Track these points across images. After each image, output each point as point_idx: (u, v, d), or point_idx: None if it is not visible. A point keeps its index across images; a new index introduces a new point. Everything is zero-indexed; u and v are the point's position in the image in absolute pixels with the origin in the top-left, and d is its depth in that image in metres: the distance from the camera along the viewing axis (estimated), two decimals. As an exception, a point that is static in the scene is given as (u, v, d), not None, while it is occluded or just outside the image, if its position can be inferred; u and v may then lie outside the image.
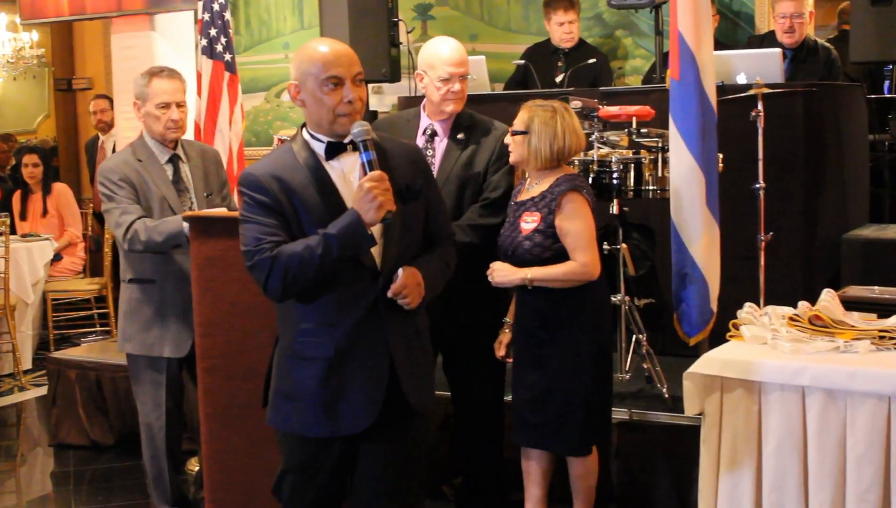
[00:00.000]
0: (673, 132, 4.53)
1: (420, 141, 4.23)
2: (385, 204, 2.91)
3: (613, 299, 4.53)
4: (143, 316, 4.45)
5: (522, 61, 6.86)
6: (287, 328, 3.12)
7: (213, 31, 6.17)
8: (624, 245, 4.55)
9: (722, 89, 4.95)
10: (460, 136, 4.22)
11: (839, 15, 7.49)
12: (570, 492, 4.09)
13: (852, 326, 3.71)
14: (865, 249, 5.49)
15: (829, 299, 3.80)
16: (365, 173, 2.96)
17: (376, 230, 3.00)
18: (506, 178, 4.21)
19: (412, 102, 5.73)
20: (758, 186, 4.81)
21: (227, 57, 6.21)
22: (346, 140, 3.03)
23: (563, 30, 6.95)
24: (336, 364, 3.03)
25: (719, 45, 5.90)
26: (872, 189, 6.34)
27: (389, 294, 3.00)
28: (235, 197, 3.81)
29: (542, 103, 3.96)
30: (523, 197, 3.99)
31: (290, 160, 3.05)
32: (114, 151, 8.58)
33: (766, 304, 4.33)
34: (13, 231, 8.18)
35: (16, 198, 8.91)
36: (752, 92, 4.78)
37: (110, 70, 8.01)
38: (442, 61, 4.16)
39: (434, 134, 4.25)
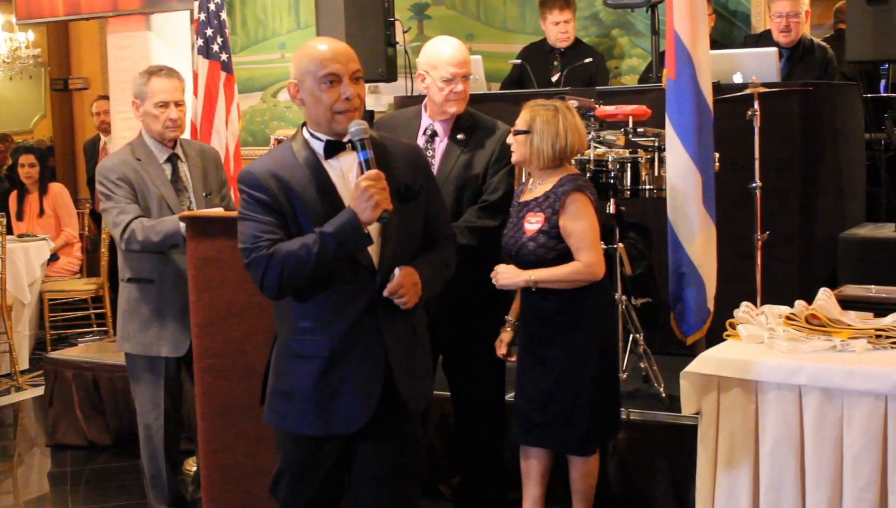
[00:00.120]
0: (669, 132, 4.54)
1: (420, 141, 4.23)
2: (381, 203, 2.91)
3: (611, 298, 4.53)
4: (142, 316, 4.45)
5: (519, 61, 6.86)
6: (284, 327, 3.13)
7: (209, 31, 6.18)
8: (621, 245, 4.55)
9: (718, 89, 4.95)
10: (460, 136, 4.21)
11: (835, 14, 7.49)
12: (569, 492, 4.09)
13: (849, 325, 3.72)
14: (862, 248, 5.49)
15: (825, 299, 3.81)
16: (362, 172, 2.96)
17: (374, 229, 3.00)
18: (505, 180, 4.20)
19: (409, 102, 5.74)
20: (754, 185, 4.82)
21: (224, 57, 6.21)
22: (346, 139, 3.03)
23: (558, 29, 6.95)
24: (332, 363, 3.03)
25: (715, 44, 5.90)
26: (869, 188, 6.35)
27: (385, 293, 3.00)
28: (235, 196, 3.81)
29: (544, 103, 3.95)
30: (526, 197, 3.99)
31: (290, 159, 3.05)
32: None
33: (762, 303, 4.33)
34: (10, 231, 8.17)
35: (12, 198, 8.90)
36: (748, 91, 4.78)
37: (106, 70, 7.98)
38: (444, 62, 4.15)
39: (434, 134, 4.25)
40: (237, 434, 4.00)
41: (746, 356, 3.62)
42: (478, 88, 6.17)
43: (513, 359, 4.10)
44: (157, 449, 4.54)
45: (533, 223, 3.90)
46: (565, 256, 3.86)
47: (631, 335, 4.68)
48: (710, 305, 4.64)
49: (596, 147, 4.55)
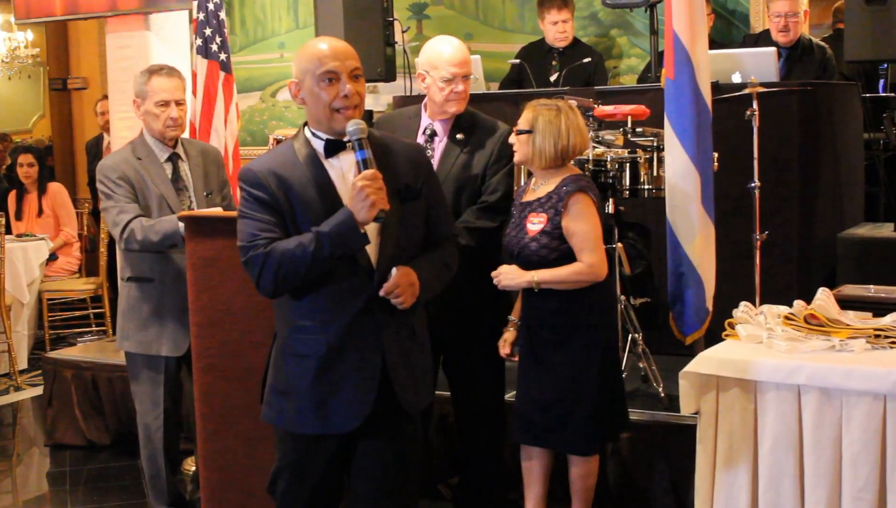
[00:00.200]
0: (668, 131, 4.54)
1: (419, 141, 4.22)
2: (377, 203, 2.91)
3: (610, 298, 4.53)
4: (142, 315, 4.45)
5: (517, 61, 6.86)
6: (283, 325, 3.13)
7: (207, 31, 6.17)
8: (619, 244, 4.55)
9: (717, 88, 4.95)
10: (459, 136, 4.21)
11: (834, 14, 7.49)
12: (568, 492, 4.09)
13: (848, 325, 3.72)
14: (861, 248, 5.50)
15: (824, 298, 3.81)
16: (360, 172, 2.96)
17: (373, 229, 3.00)
18: (505, 180, 4.20)
19: (408, 102, 5.73)
20: (753, 185, 4.82)
21: (223, 56, 6.21)
22: (346, 138, 3.03)
23: (556, 29, 6.95)
24: (329, 362, 3.03)
25: (714, 44, 5.90)
26: (868, 188, 6.35)
27: (381, 293, 3.00)
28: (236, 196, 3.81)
29: (547, 102, 3.95)
30: (529, 198, 3.98)
31: (291, 157, 3.06)
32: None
33: (761, 303, 4.33)
34: (8, 231, 8.16)
35: (11, 198, 8.90)
36: (747, 91, 4.78)
37: (105, 70, 7.96)
38: (445, 62, 4.14)
39: (434, 134, 4.24)
40: (236, 434, 3.99)
41: (745, 355, 3.62)
42: (477, 88, 6.16)
43: (516, 359, 4.09)
44: (157, 449, 4.54)
45: (535, 224, 3.89)
46: (568, 256, 3.85)
47: (630, 335, 4.68)
48: (709, 305, 4.64)
49: (595, 147, 4.55)
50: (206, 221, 4.06)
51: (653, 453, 4.43)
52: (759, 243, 4.83)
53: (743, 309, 3.95)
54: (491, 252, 4.14)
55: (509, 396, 4.57)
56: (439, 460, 4.79)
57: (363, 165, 2.96)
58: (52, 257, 8.50)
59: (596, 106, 4.69)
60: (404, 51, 6.77)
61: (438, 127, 4.24)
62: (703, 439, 3.69)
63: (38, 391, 6.89)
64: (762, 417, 3.57)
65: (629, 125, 4.67)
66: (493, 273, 3.95)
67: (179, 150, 4.52)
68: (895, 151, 6.04)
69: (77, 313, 8.85)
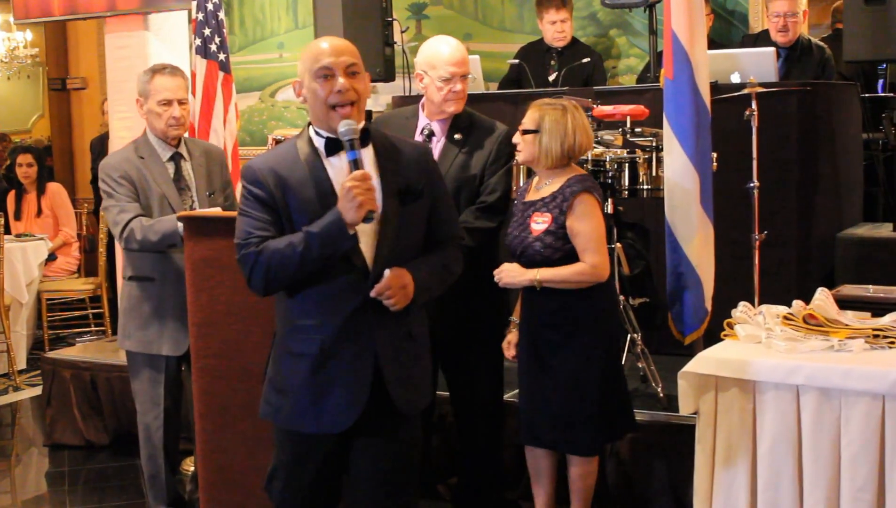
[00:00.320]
0: (667, 132, 4.54)
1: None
2: (365, 204, 2.90)
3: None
4: (142, 314, 4.45)
5: (516, 61, 6.86)
6: (281, 323, 3.15)
7: (207, 31, 6.17)
8: (618, 244, 4.55)
9: (716, 88, 4.95)
10: (458, 136, 4.20)
11: (833, 14, 7.50)
12: (567, 491, 4.09)
13: (846, 325, 3.72)
14: (860, 248, 5.50)
15: (823, 298, 3.81)
16: (351, 173, 2.97)
17: (370, 230, 3.00)
18: (503, 181, 4.19)
19: (407, 102, 5.73)
20: (752, 185, 4.82)
21: (222, 56, 6.21)
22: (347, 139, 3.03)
23: (555, 28, 6.95)
24: (322, 362, 3.04)
25: (713, 44, 5.91)
26: (866, 188, 6.35)
27: (372, 294, 2.99)
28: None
29: (552, 102, 3.94)
30: (532, 197, 3.97)
31: (292, 155, 3.07)
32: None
33: (760, 303, 4.33)
34: (7, 231, 8.16)
35: (10, 198, 8.89)
36: (746, 91, 4.78)
37: (104, 70, 7.95)
38: (443, 61, 4.14)
39: (431, 134, 4.23)
40: (235, 434, 4.00)
41: (744, 355, 3.62)
42: (476, 88, 6.17)
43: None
44: (157, 448, 4.54)
45: (540, 223, 3.88)
46: (571, 256, 3.84)
47: (629, 335, 4.68)
48: (708, 305, 4.64)
49: (594, 147, 4.55)
50: (205, 221, 4.06)
51: (652, 453, 4.43)
52: (757, 243, 4.83)
53: (742, 309, 3.95)
54: (489, 253, 4.14)
55: (509, 396, 4.58)
56: (438, 460, 4.79)
57: (354, 165, 2.96)
58: (51, 257, 8.50)
59: (595, 106, 4.69)
60: (403, 51, 6.77)
61: (436, 127, 4.23)
62: (702, 439, 3.69)
63: (37, 391, 6.89)
64: (761, 417, 3.57)
65: (628, 125, 4.67)
66: (495, 271, 3.94)
67: (182, 149, 4.52)
68: (894, 151, 6.03)
69: (76, 314, 8.85)
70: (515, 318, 4.10)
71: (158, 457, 4.55)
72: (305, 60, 3.06)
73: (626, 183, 4.60)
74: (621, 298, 4.60)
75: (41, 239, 8.27)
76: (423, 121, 4.27)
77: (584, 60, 6.65)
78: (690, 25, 4.52)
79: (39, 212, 8.78)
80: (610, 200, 4.53)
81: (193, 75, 6.16)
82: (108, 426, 5.88)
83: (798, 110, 5.41)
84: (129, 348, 4.52)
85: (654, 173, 4.61)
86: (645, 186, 4.62)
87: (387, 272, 2.99)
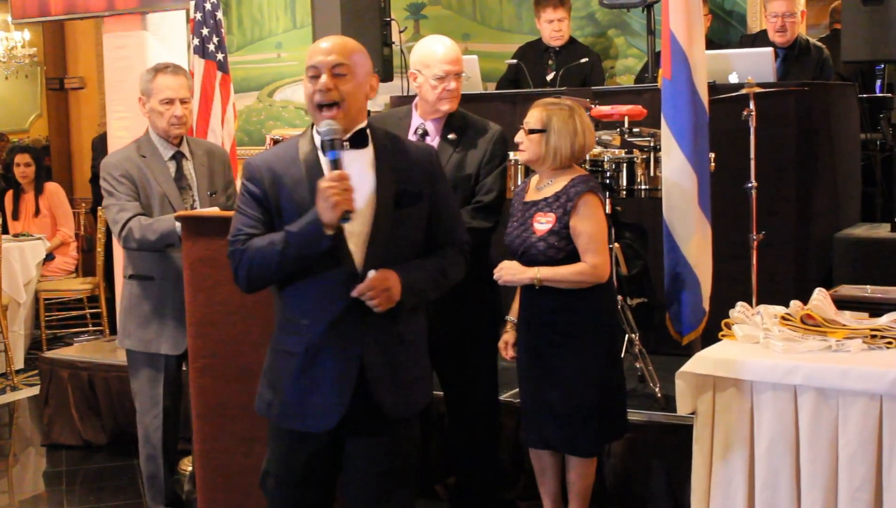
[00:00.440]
0: (665, 132, 4.54)
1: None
2: (340, 204, 2.87)
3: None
4: (142, 312, 4.45)
5: (515, 61, 6.87)
6: (276, 320, 3.16)
7: (205, 31, 6.17)
8: (616, 244, 4.55)
9: (714, 89, 4.95)
10: (452, 136, 4.20)
11: (831, 14, 7.50)
12: (566, 492, 4.09)
13: (844, 325, 3.72)
14: (857, 248, 5.50)
15: (820, 299, 3.81)
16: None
17: (361, 232, 2.99)
18: (499, 180, 4.19)
19: (405, 102, 5.72)
20: (750, 185, 4.82)
21: (220, 56, 6.21)
22: (345, 137, 3.02)
23: (552, 27, 6.95)
24: (309, 361, 3.04)
25: (711, 44, 5.91)
26: (864, 188, 6.36)
27: (353, 294, 2.96)
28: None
29: (556, 102, 3.94)
30: (534, 197, 3.95)
31: (292, 154, 3.07)
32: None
33: (758, 303, 4.33)
34: (5, 231, 8.16)
35: (8, 197, 8.90)
36: (744, 91, 4.78)
37: (102, 69, 7.96)
38: (437, 59, 4.14)
39: (425, 133, 4.23)
40: (233, 434, 3.99)
41: (742, 356, 3.62)
42: (474, 88, 6.17)
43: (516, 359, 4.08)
44: (156, 448, 4.53)
45: (543, 223, 3.87)
46: (574, 257, 3.84)
47: (626, 335, 4.68)
48: (706, 305, 4.64)
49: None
50: (202, 220, 4.06)
51: (649, 453, 4.43)
52: (755, 243, 4.83)
53: (739, 309, 3.95)
54: (484, 253, 4.13)
55: (507, 396, 4.58)
56: (436, 460, 4.79)
57: (333, 165, 2.94)
58: (49, 256, 8.50)
59: (593, 106, 4.69)
60: (401, 51, 6.76)
61: (430, 127, 4.23)
62: (700, 439, 3.69)
63: (35, 390, 6.88)
64: (758, 417, 3.57)
65: (626, 125, 4.67)
66: (495, 269, 3.92)
67: (184, 148, 4.52)
68: (892, 152, 6.04)
69: (74, 313, 8.85)
70: (512, 317, 4.09)
71: (157, 457, 4.54)
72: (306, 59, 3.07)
73: (624, 183, 4.60)
74: (619, 298, 4.60)
75: (39, 239, 8.27)
76: (416, 120, 4.26)
77: (583, 60, 6.65)
78: (688, 26, 4.52)
79: (37, 212, 8.78)
80: (608, 200, 4.53)
81: (191, 75, 6.16)
82: (106, 425, 5.88)
83: (796, 111, 5.41)
84: (129, 346, 4.52)
85: (652, 174, 4.61)
86: (643, 187, 4.62)
87: (371, 273, 2.97)
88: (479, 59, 6.51)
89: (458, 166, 4.14)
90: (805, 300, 3.84)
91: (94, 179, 9.04)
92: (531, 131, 3.90)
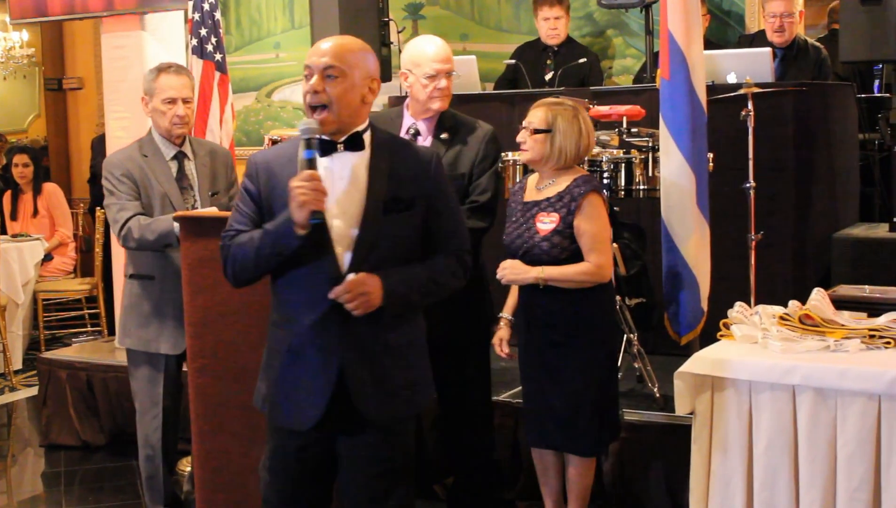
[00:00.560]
0: (663, 132, 4.55)
1: None
2: (307, 204, 2.86)
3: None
4: (142, 312, 4.45)
5: (513, 61, 6.86)
6: (269, 316, 3.20)
7: (203, 31, 6.17)
8: (615, 244, 4.54)
9: (712, 89, 4.96)
10: (444, 135, 4.19)
11: (829, 14, 7.51)
12: (565, 491, 4.09)
13: (842, 325, 3.72)
14: (856, 248, 5.50)
15: (819, 299, 3.81)
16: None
17: (347, 235, 2.98)
18: (493, 180, 4.18)
19: (403, 102, 5.73)
20: (748, 185, 4.82)
21: (218, 57, 6.21)
22: (340, 139, 3.02)
23: (548, 25, 6.95)
24: (292, 359, 3.07)
25: (709, 44, 5.91)
26: (862, 188, 6.36)
27: (330, 296, 2.95)
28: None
29: (559, 102, 3.93)
30: (535, 197, 3.95)
31: (291, 153, 3.06)
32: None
33: (756, 303, 4.33)
34: (3, 231, 8.16)
35: (6, 198, 8.90)
36: (742, 91, 4.79)
37: (101, 70, 7.96)
38: (428, 58, 4.14)
39: (417, 133, 4.22)
40: (231, 434, 3.99)
41: (740, 356, 3.62)
42: (472, 89, 6.17)
43: (514, 357, 4.07)
44: (155, 449, 4.53)
45: (547, 223, 3.86)
46: (577, 256, 3.84)
47: (625, 335, 4.68)
48: (704, 305, 4.64)
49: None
50: (200, 221, 4.05)
51: (648, 453, 4.43)
52: (753, 243, 4.83)
53: (738, 309, 3.95)
54: (478, 253, 4.13)
55: (507, 396, 4.58)
56: (434, 460, 4.79)
57: (307, 164, 2.92)
58: (48, 257, 8.50)
59: (591, 106, 4.69)
60: (400, 51, 6.75)
61: (422, 126, 4.23)
62: (698, 439, 3.69)
63: (33, 391, 6.88)
64: (757, 417, 3.57)
65: (624, 126, 4.67)
66: (498, 268, 3.91)
67: (186, 148, 4.52)
68: (890, 152, 6.04)
69: (72, 314, 8.85)
70: (507, 314, 4.08)
71: (156, 458, 4.54)
72: None
73: (623, 183, 4.60)
74: (617, 298, 4.60)
75: (37, 239, 8.27)
76: (408, 120, 4.26)
77: (581, 60, 6.65)
78: (687, 26, 4.52)
79: (36, 212, 8.77)
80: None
81: (191, 75, 6.16)
82: (105, 426, 5.88)
83: (794, 111, 5.41)
84: (129, 345, 4.52)
85: (650, 174, 4.62)
86: (641, 187, 4.62)
87: (350, 276, 2.95)
88: (478, 59, 6.51)
89: (452, 166, 4.13)
90: (803, 300, 3.84)
91: (93, 179, 9.04)
92: (536, 131, 3.89)
